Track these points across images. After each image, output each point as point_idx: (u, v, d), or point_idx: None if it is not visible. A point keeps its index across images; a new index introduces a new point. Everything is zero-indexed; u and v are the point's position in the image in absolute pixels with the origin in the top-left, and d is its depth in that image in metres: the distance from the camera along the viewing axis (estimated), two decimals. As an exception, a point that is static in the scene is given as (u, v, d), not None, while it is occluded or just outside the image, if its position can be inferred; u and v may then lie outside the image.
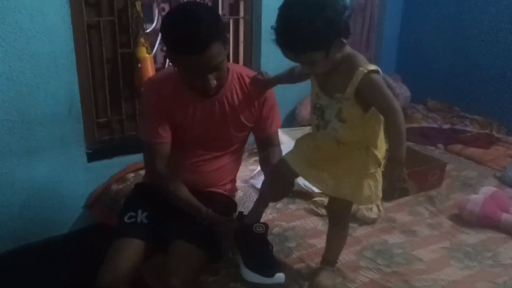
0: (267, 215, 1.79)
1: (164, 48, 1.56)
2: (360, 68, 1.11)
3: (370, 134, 1.21)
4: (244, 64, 2.56)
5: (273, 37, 1.11)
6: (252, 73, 1.53)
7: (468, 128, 2.77)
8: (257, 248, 1.35)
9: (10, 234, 1.89)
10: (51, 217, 1.97)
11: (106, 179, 2.06)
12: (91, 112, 2.04)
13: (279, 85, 2.62)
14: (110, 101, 2.10)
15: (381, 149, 1.23)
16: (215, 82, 1.33)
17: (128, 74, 2.10)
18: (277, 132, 1.64)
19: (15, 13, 1.68)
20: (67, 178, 1.97)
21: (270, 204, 1.88)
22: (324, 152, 1.27)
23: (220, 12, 2.39)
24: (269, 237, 1.63)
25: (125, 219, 1.49)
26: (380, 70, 1.15)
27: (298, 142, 1.34)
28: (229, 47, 2.50)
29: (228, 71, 1.45)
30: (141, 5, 2.04)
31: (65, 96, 1.87)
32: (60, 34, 1.80)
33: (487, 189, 1.90)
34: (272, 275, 1.30)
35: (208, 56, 1.25)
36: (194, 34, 1.22)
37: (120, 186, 2.00)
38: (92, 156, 2.02)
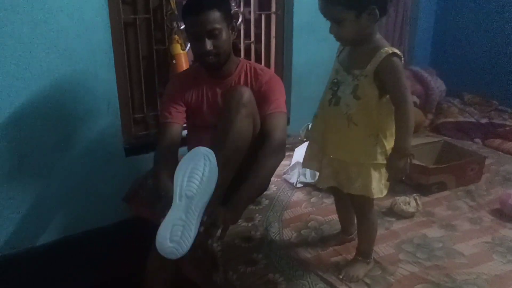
0: (303, 209, 1.79)
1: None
2: (386, 48, 1.15)
3: (382, 121, 1.22)
4: (276, 59, 2.57)
5: None
6: (263, 67, 1.71)
7: (507, 122, 2.69)
8: None
9: (50, 226, 1.94)
10: (90, 210, 2.02)
11: (143, 174, 2.10)
12: (128, 108, 2.08)
13: (310, 80, 2.63)
14: (146, 97, 2.14)
15: (390, 142, 1.23)
16: (211, 48, 1.51)
17: (163, 71, 2.14)
18: (276, 121, 1.59)
19: (57, 12, 1.73)
20: (105, 172, 2.02)
21: (305, 198, 1.89)
22: (333, 131, 1.28)
23: (251, 7, 2.40)
24: (305, 231, 1.64)
25: None
26: (402, 58, 1.17)
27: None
28: (261, 42, 2.52)
29: (239, 62, 1.68)
30: (176, 2, 2.08)
31: (103, 92, 1.92)
32: (99, 32, 1.85)
33: (530, 184, 1.84)
34: None
35: (204, 19, 1.47)
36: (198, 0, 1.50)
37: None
38: (130, 151, 2.07)
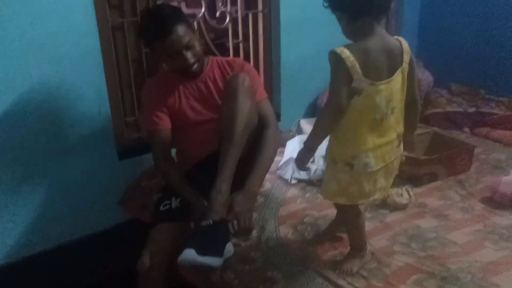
0: (298, 205, 1.81)
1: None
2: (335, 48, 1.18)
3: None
4: (265, 57, 2.58)
5: None
6: (231, 58, 1.79)
7: (494, 111, 2.73)
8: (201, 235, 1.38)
9: (46, 234, 1.94)
10: (86, 215, 2.02)
11: (137, 176, 2.10)
12: (119, 111, 2.08)
13: (300, 76, 2.64)
14: (137, 100, 2.14)
15: (341, 145, 1.26)
16: (192, 58, 1.58)
17: (153, 73, 2.14)
18: (267, 106, 1.74)
19: (43, 17, 1.72)
20: (99, 176, 2.02)
21: (300, 194, 1.91)
22: None
23: (238, 6, 2.40)
24: (301, 226, 1.66)
25: (161, 208, 1.59)
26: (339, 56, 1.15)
27: None
28: (249, 41, 2.52)
29: (208, 59, 1.74)
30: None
31: (94, 96, 1.92)
32: (87, 36, 1.84)
33: (518, 171, 1.88)
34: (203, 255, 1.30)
35: (177, 36, 1.52)
36: (161, 21, 1.52)
37: (151, 183, 2.04)
38: (123, 154, 2.07)
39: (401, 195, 1.75)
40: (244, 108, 1.52)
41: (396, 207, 1.74)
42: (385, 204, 1.76)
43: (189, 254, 1.26)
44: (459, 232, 1.59)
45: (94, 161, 1.99)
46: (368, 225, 1.56)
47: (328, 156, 1.30)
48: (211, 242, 1.34)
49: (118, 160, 2.06)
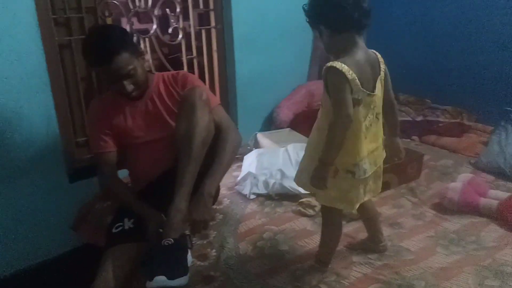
0: (257, 220, 1.81)
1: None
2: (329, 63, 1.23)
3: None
4: (220, 72, 2.58)
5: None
6: (174, 72, 1.73)
7: (440, 119, 2.86)
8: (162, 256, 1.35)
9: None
10: (36, 243, 1.92)
11: (90, 198, 2.02)
12: (69, 132, 2.00)
13: (254, 90, 2.66)
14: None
15: (344, 153, 1.26)
16: (131, 86, 1.54)
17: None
18: (221, 113, 1.69)
19: (-16, 38, 1.64)
20: (50, 201, 1.92)
21: (259, 209, 1.91)
22: None
23: (191, 22, 2.40)
24: (261, 242, 1.66)
25: (113, 230, 1.56)
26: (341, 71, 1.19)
27: None
28: (203, 56, 2.52)
29: (154, 76, 1.69)
30: (112, 20, 2.03)
31: (41, 117, 1.84)
32: (32, 56, 1.76)
33: (464, 176, 1.97)
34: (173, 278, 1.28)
35: (116, 66, 1.46)
36: (101, 48, 1.46)
37: (104, 205, 1.98)
38: (74, 177, 1.99)
39: (357, 205, 1.78)
40: (202, 123, 1.50)
41: (352, 217, 1.78)
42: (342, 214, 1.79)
43: (161, 281, 1.26)
44: (412, 240, 1.65)
45: (43, 184, 1.89)
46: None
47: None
48: (176, 262, 1.33)
49: (69, 183, 1.98)
